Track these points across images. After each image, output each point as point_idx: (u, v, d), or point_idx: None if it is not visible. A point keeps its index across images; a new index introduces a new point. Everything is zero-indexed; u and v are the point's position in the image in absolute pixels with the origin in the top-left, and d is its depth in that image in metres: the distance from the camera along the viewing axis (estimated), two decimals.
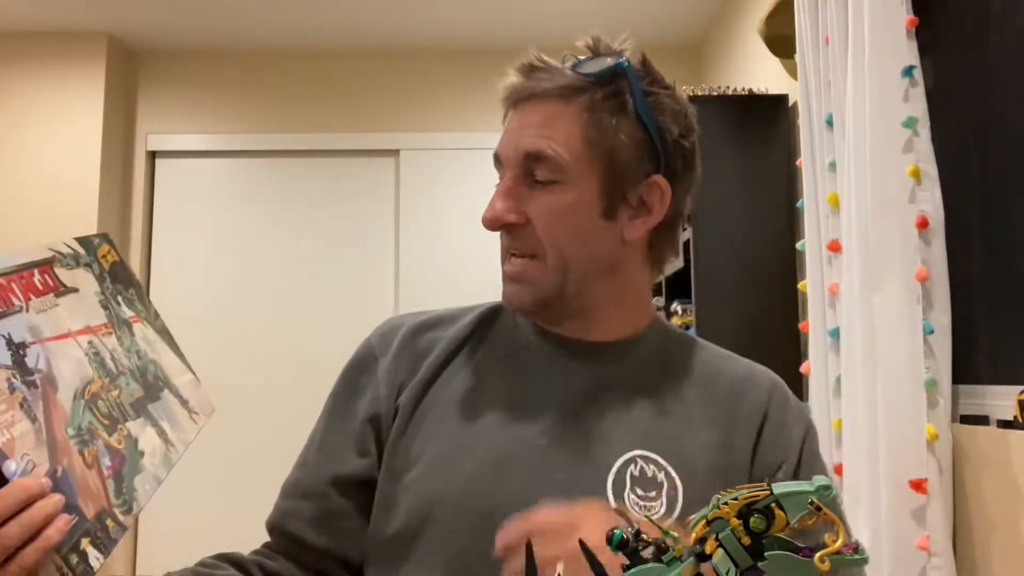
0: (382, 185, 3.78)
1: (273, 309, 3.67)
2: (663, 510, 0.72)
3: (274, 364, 3.54)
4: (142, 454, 0.71)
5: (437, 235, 3.63)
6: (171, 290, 3.66)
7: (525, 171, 0.79)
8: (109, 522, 0.64)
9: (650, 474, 0.74)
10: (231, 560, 0.80)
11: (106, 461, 0.66)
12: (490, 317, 0.88)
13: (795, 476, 0.76)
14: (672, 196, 0.81)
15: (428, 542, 0.74)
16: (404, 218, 3.71)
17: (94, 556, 0.62)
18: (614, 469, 0.74)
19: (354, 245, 3.73)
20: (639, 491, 0.73)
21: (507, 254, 0.82)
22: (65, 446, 0.63)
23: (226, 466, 3.39)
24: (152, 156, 3.79)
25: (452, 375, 0.83)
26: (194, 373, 0.85)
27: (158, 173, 3.79)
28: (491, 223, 0.80)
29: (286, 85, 3.77)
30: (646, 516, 0.67)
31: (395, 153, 3.77)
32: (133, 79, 3.78)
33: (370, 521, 0.80)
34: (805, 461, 0.80)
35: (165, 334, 0.83)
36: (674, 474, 0.74)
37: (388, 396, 0.82)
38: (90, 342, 0.70)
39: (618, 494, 0.73)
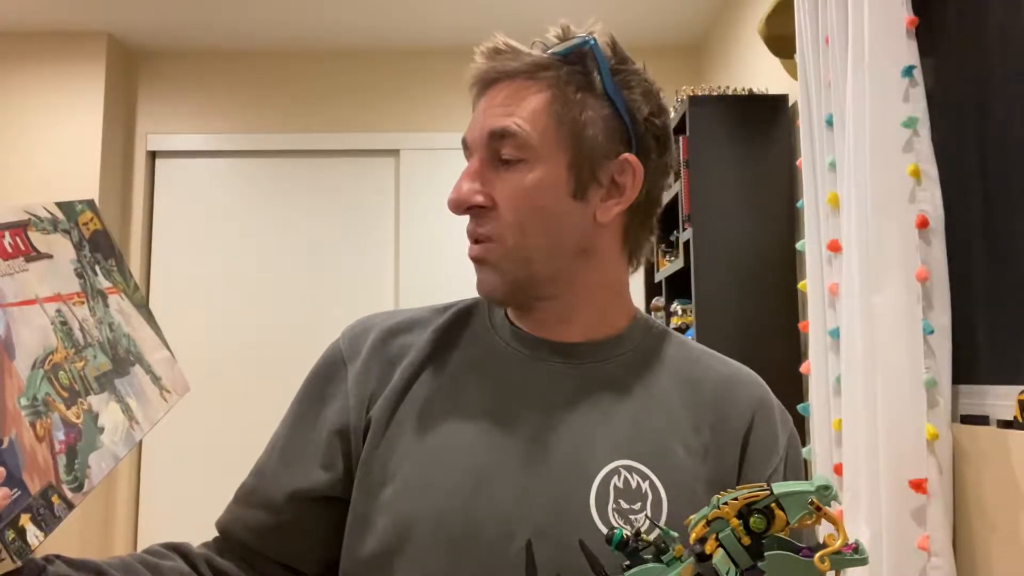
0: (382, 185, 3.77)
1: (273, 308, 3.66)
2: (647, 522, 0.69)
3: (274, 363, 3.53)
4: (102, 430, 0.67)
5: (437, 235, 3.63)
6: (171, 290, 3.66)
7: (491, 152, 0.76)
8: (55, 499, 0.61)
9: (634, 485, 0.71)
10: (180, 551, 0.77)
11: (60, 435, 0.63)
12: (465, 317, 0.84)
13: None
14: (646, 177, 0.78)
15: (406, 563, 0.71)
16: (404, 218, 3.70)
17: (33, 534, 0.59)
18: (597, 481, 0.71)
19: (354, 245, 3.73)
20: (623, 503, 0.70)
21: (472, 239, 0.79)
22: (16, 416, 0.60)
23: (227, 460, 3.39)
24: (152, 156, 3.78)
25: (426, 384, 0.79)
26: (170, 350, 0.81)
27: (158, 173, 3.79)
28: (456, 205, 0.77)
29: (286, 85, 3.77)
30: (631, 528, 0.66)
31: (395, 153, 3.77)
32: (133, 79, 3.78)
33: (343, 539, 0.77)
34: (789, 469, 0.79)
35: (143, 308, 0.80)
36: (658, 484, 0.72)
37: (358, 408, 0.79)
38: (58, 310, 0.67)
39: (601, 507, 0.70)
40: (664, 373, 0.80)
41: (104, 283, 0.75)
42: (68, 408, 0.65)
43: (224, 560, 0.79)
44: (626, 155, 0.77)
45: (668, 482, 0.72)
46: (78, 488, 0.63)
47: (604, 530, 0.69)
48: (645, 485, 0.71)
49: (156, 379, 0.77)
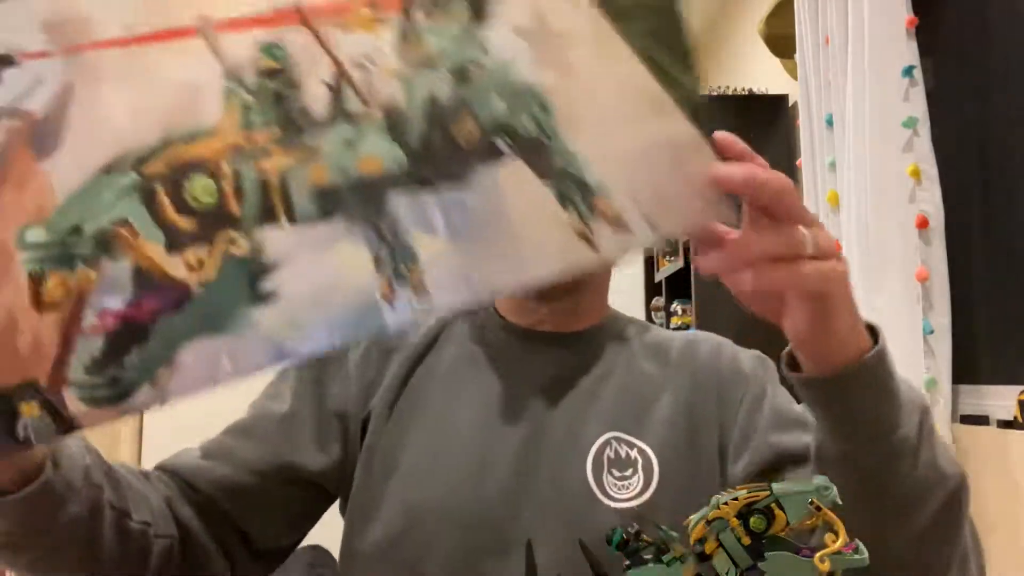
0: None
1: None
2: (640, 486, 0.73)
3: None
4: (266, 297, 0.38)
5: None
6: None
7: None
8: (26, 409, 0.36)
9: (623, 454, 0.75)
10: (150, 483, 0.72)
11: (112, 303, 0.37)
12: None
13: (758, 402, 0.78)
14: None
15: (412, 551, 0.73)
16: None
17: None
18: (591, 454, 0.75)
19: None
20: (616, 472, 0.74)
21: None
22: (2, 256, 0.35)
23: None
24: None
25: (425, 374, 0.81)
26: (700, 123, 0.41)
27: None
28: None
29: None
30: (623, 497, 0.70)
31: None
32: None
33: (344, 530, 0.78)
34: (764, 396, 0.79)
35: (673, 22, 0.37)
36: (645, 447, 0.76)
37: (358, 396, 0.80)
38: (268, 48, 0.34)
39: (597, 478, 0.74)
40: (638, 352, 0.85)
41: None
42: (176, 249, 0.36)
43: (185, 508, 0.74)
44: None
45: (654, 443, 0.76)
46: (112, 398, 0.36)
47: (602, 499, 0.72)
48: (634, 452, 0.76)
49: (585, 192, 0.39)
